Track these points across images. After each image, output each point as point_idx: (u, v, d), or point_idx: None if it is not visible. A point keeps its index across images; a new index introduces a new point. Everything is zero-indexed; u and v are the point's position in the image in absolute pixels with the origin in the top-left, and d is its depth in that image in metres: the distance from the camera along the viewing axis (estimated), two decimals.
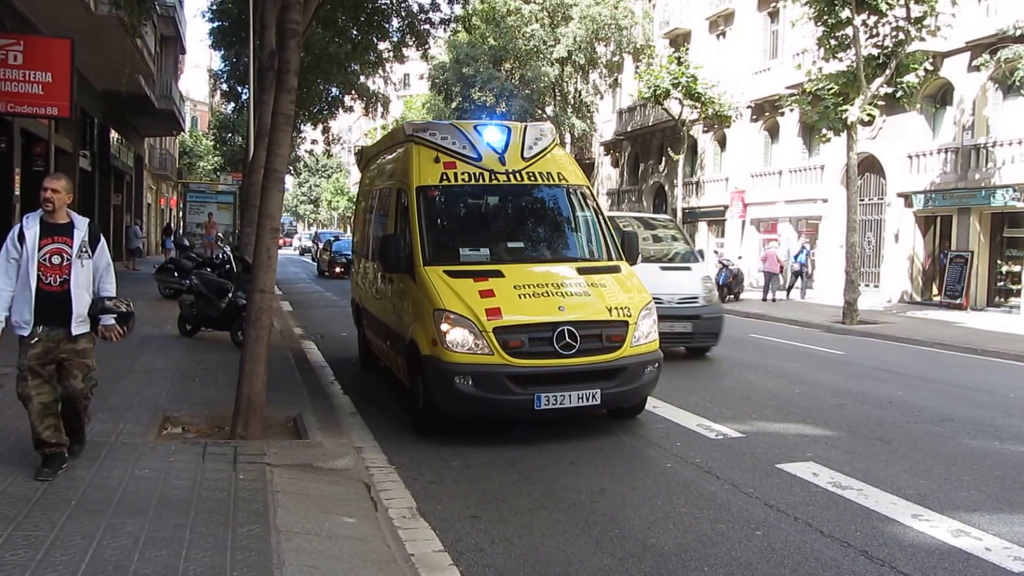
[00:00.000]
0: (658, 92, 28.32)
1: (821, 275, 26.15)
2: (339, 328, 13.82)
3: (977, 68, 20.77)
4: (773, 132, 29.67)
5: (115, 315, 5.31)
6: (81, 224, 5.26)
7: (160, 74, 27.65)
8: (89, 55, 16.41)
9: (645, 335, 7.19)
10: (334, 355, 11.32)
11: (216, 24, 24.90)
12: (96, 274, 5.32)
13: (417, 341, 7.09)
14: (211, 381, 8.69)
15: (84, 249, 5.20)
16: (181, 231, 34.24)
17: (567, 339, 6.73)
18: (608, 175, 41.13)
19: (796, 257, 25.14)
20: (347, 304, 12.14)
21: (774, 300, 23.86)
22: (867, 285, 23.49)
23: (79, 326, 5.19)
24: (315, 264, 38.75)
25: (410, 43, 20.35)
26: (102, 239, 5.38)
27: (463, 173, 7.88)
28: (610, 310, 7.06)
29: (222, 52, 27.17)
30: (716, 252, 28.24)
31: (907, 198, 23.44)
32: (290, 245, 67.66)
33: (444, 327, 6.73)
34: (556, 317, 6.82)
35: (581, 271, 7.51)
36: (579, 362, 6.78)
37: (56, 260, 5.12)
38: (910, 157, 23.10)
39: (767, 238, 28.99)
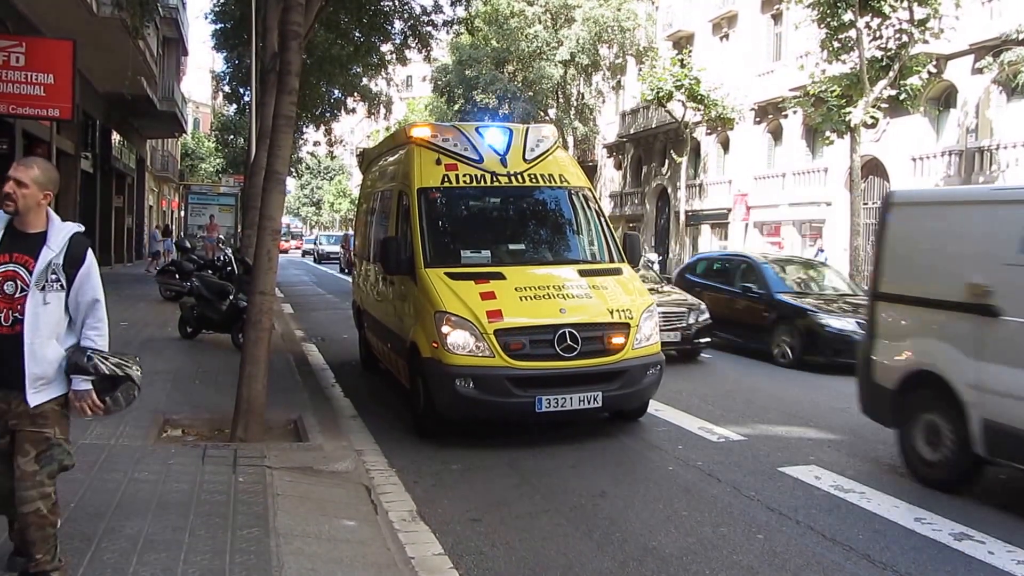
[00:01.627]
0: (661, 94, 28.31)
1: None
2: (340, 331, 13.80)
3: (981, 70, 20.72)
4: (776, 134, 29.63)
5: (92, 378, 3.50)
6: (58, 237, 3.49)
7: (162, 76, 27.69)
8: (91, 57, 16.41)
9: (647, 337, 7.18)
10: (335, 357, 11.30)
11: (219, 26, 24.93)
12: (77, 314, 3.55)
13: (418, 343, 7.07)
14: (211, 383, 8.67)
15: (53, 275, 3.43)
16: (183, 233, 34.26)
17: (568, 341, 6.72)
18: (611, 177, 41.12)
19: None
20: (348, 306, 12.13)
21: None
22: None
23: (39, 392, 3.42)
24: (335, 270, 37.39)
25: (412, 45, 20.34)
26: (89, 259, 3.57)
27: (464, 175, 7.86)
28: (611, 312, 7.05)
29: (224, 54, 27.24)
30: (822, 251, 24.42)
31: None
32: (299, 248, 63.86)
33: (445, 329, 6.72)
34: (557, 319, 6.81)
35: (583, 273, 7.50)
36: (580, 364, 6.77)
37: (9, 288, 3.39)
38: (914, 160, 23.04)
39: (772, 241, 28.88)
